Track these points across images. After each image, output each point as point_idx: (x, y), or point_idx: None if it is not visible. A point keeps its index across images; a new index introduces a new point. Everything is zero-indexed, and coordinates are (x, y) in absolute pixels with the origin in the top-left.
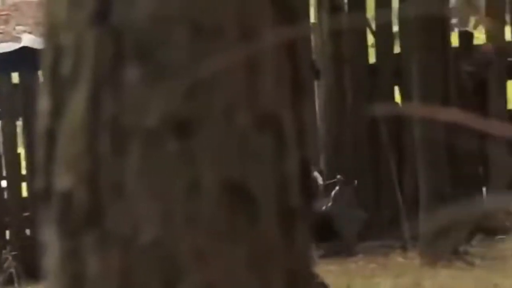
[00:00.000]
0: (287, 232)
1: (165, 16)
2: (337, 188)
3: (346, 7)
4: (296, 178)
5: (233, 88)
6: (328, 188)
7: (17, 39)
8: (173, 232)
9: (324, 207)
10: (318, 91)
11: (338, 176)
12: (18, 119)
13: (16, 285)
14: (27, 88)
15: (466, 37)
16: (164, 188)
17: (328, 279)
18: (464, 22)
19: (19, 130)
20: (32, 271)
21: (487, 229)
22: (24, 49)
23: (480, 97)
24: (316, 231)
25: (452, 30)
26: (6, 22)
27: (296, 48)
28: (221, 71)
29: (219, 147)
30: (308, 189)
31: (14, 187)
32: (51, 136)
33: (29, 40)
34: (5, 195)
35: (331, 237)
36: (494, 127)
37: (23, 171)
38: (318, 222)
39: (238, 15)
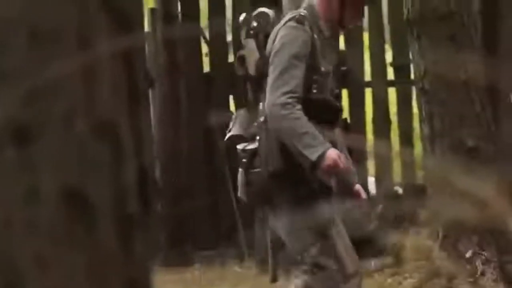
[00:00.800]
0: (126, 240)
1: (3, 19)
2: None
3: (179, 16)
4: (134, 186)
5: (71, 95)
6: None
7: None
8: (12, 238)
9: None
10: (153, 100)
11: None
12: None
13: None
14: None
15: None
16: (2, 195)
17: None
18: None
19: None
20: None
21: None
22: None
23: None
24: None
25: None
26: None
27: (132, 57)
28: (59, 78)
29: (57, 154)
30: (147, 197)
31: None
32: None
33: None
34: None
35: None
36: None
37: None
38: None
39: (75, 22)
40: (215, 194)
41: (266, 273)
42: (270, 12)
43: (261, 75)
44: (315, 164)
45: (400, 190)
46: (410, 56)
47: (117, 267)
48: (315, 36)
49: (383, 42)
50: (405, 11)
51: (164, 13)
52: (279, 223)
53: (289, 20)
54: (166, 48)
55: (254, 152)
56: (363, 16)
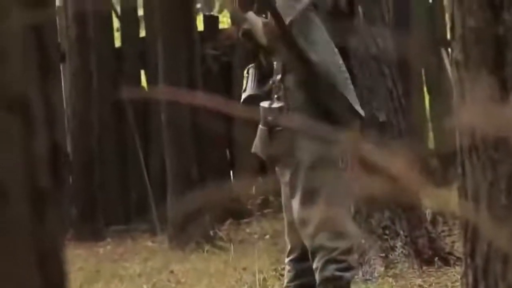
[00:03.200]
0: (37, 214)
1: None
2: None
3: None
4: (45, 160)
5: None
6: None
7: None
8: None
9: None
10: (64, 74)
11: None
12: None
13: None
14: None
15: (211, 21)
16: None
17: (76, 263)
18: (209, 6)
19: None
20: None
21: (234, 213)
22: None
23: (225, 80)
24: None
25: (198, 14)
26: None
27: (43, 31)
28: None
29: None
30: (59, 171)
31: None
32: None
33: None
34: None
35: None
36: (239, 110)
37: None
38: None
39: None
40: (126, 168)
41: (178, 247)
42: None
43: (273, 41)
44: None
45: None
46: None
47: (28, 242)
48: None
49: None
50: None
51: None
52: (298, 182)
53: None
54: (77, 23)
55: (280, 110)
56: None
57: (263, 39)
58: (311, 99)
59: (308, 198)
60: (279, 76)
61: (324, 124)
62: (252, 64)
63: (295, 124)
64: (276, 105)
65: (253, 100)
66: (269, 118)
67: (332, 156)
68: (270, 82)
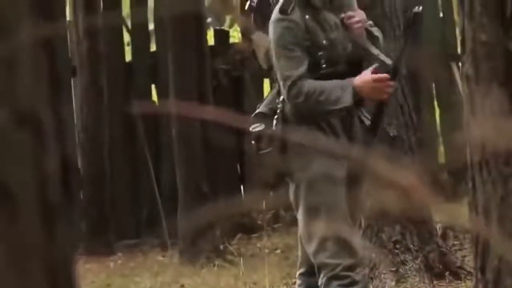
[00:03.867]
0: (48, 229)
1: None
2: None
3: (101, 5)
4: (56, 175)
5: None
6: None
7: None
8: None
9: None
10: (75, 89)
11: None
12: None
13: None
14: None
15: (222, 35)
16: None
17: (87, 278)
18: (220, 20)
19: None
20: None
21: (245, 227)
22: None
23: (236, 95)
24: None
25: (208, 28)
26: None
27: (54, 45)
28: None
29: None
30: (70, 186)
31: None
32: None
33: None
34: None
35: None
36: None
37: None
38: None
39: None
40: (137, 183)
41: (189, 261)
42: None
43: (271, 67)
44: (357, 102)
45: None
46: None
47: (39, 256)
48: (307, 16)
49: None
50: None
51: (86, 2)
52: (299, 199)
53: (275, 11)
54: (88, 37)
55: (258, 135)
56: None
57: (263, 63)
58: (307, 124)
59: (310, 215)
60: (281, 98)
61: (323, 137)
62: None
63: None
64: (257, 128)
65: (261, 117)
66: (252, 141)
67: (331, 172)
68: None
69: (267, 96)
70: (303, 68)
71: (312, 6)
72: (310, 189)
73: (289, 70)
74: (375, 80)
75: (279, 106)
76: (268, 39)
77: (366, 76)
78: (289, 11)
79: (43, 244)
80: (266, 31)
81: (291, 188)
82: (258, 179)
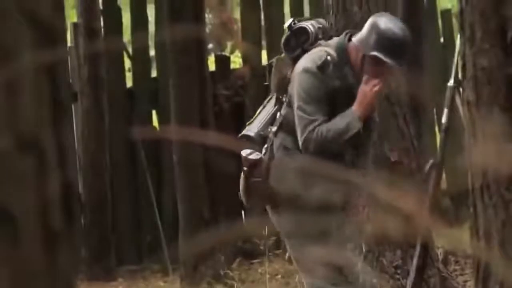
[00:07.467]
0: (49, 254)
1: None
2: None
3: (102, 31)
4: (58, 200)
5: None
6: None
7: None
8: None
9: None
10: (76, 114)
11: None
12: None
13: None
14: None
15: (223, 61)
16: None
17: None
18: (221, 46)
19: None
20: None
21: (246, 253)
22: None
23: (237, 120)
24: None
25: (209, 54)
26: None
27: (55, 71)
28: None
29: None
30: (71, 211)
31: None
32: None
33: None
34: None
35: None
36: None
37: None
38: None
39: None
40: (138, 208)
41: (190, 287)
42: (311, 26)
43: (281, 94)
44: (364, 122)
45: None
46: None
47: (41, 280)
48: (336, 82)
49: None
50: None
51: (87, 28)
52: (283, 227)
53: (311, 62)
54: (89, 63)
55: (254, 163)
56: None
57: (274, 90)
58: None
59: (298, 264)
60: (274, 128)
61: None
62: (271, 96)
63: (274, 176)
64: (252, 156)
65: (251, 139)
66: (244, 168)
67: (322, 224)
68: (269, 129)
69: (254, 119)
70: (326, 118)
71: (345, 75)
72: (297, 244)
73: (315, 115)
74: (363, 88)
75: (275, 138)
76: (287, 72)
77: (358, 95)
78: (326, 70)
79: (44, 269)
80: (287, 61)
81: (277, 220)
82: (248, 202)
